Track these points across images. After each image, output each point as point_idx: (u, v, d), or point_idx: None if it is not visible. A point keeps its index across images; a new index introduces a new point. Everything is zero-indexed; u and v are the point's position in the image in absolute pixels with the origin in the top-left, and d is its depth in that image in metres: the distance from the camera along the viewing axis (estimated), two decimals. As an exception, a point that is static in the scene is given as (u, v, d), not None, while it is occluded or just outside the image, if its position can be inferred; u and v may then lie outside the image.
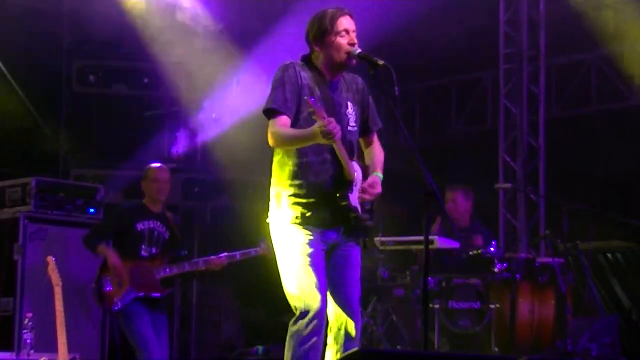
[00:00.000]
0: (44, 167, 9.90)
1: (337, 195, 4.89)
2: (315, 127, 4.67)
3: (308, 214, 4.90)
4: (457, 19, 10.72)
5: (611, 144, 10.05)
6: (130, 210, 7.37)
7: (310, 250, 4.90)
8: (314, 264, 4.90)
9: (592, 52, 10.40)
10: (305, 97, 4.73)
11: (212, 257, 7.32)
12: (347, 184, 4.92)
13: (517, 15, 10.10)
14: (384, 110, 9.37)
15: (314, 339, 4.85)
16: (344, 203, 4.89)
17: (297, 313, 4.88)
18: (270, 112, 4.90)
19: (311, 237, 4.90)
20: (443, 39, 10.85)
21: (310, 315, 4.84)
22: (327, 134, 4.64)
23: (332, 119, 4.67)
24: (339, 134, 4.67)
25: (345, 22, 4.98)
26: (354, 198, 4.95)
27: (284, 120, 4.87)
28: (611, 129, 10.21)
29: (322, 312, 4.88)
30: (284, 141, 4.89)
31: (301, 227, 4.90)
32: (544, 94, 10.12)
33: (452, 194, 8.63)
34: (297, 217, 4.91)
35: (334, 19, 4.96)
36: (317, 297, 4.86)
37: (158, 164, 7.58)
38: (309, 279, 4.87)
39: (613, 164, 9.99)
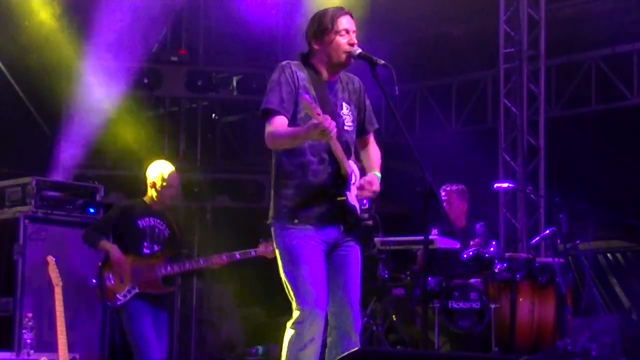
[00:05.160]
0: (44, 167, 9.91)
1: (335, 193, 4.88)
2: (311, 124, 4.67)
3: (307, 213, 4.89)
4: (457, 19, 10.73)
5: (611, 144, 10.05)
6: (131, 207, 7.36)
7: (311, 252, 4.88)
8: (315, 267, 4.88)
9: (592, 52, 10.41)
10: (302, 95, 4.73)
11: (213, 256, 7.32)
12: (344, 183, 4.90)
13: (517, 15, 10.09)
14: (384, 110, 9.41)
15: (314, 343, 4.83)
16: (341, 200, 4.88)
17: (297, 316, 4.85)
18: (266, 113, 4.88)
19: (312, 239, 4.88)
20: (443, 39, 10.86)
21: (311, 319, 4.82)
22: (322, 131, 4.62)
23: (327, 116, 4.67)
24: (334, 131, 4.66)
25: (346, 22, 4.97)
26: (352, 196, 4.94)
27: (281, 120, 4.85)
28: (611, 129, 10.21)
29: (322, 316, 4.86)
30: (280, 141, 4.88)
31: (301, 228, 4.88)
32: (544, 94, 10.11)
33: (447, 194, 8.61)
34: (296, 217, 4.89)
35: (334, 18, 4.95)
36: (318, 301, 4.84)
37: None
38: (311, 282, 4.84)
39: (613, 163, 9.99)
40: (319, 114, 4.62)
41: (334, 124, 4.65)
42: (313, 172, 4.90)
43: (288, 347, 4.85)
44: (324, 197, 4.90)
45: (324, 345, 5.01)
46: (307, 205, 4.89)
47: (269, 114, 4.88)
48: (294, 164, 4.92)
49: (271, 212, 5.01)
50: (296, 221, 4.89)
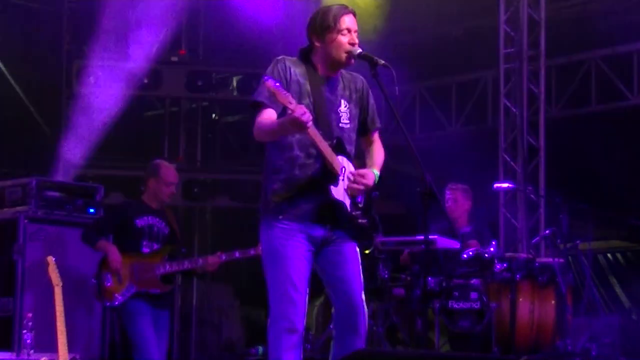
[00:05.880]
0: (44, 167, 9.90)
1: (320, 187, 4.83)
2: (286, 117, 4.63)
3: (293, 209, 4.86)
4: (457, 19, 10.73)
5: (611, 144, 10.05)
6: (129, 206, 7.37)
7: (293, 253, 4.85)
8: (295, 267, 4.85)
9: (592, 52, 10.41)
10: (265, 79, 4.62)
11: (210, 256, 7.33)
12: (331, 177, 4.85)
13: (517, 15, 10.10)
14: (384, 110, 9.42)
15: (291, 342, 4.83)
16: (326, 194, 4.83)
17: (273, 316, 4.85)
18: (255, 105, 4.86)
19: (296, 238, 4.85)
20: (443, 39, 10.87)
21: (286, 319, 4.82)
22: (295, 120, 4.58)
23: (301, 106, 4.62)
24: (308, 121, 4.59)
25: (348, 21, 4.95)
26: (339, 192, 4.87)
27: (269, 113, 4.82)
28: (611, 129, 10.22)
29: (299, 316, 4.84)
30: (262, 133, 4.85)
31: (286, 225, 4.85)
32: (544, 94, 10.11)
33: (452, 192, 8.62)
34: (281, 213, 4.86)
35: (337, 17, 4.93)
36: (294, 302, 4.82)
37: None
38: (288, 283, 4.82)
39: (613, 164, 9.99)
40: (290, 102, 4.58)
41: (308, 114, 4.59)
42: (300, 166, 4.87)
43: (269, 348, 4.87)
44: (310, 192, 4.86)
45: (328, 338, 5.00)
46: (293, 200, 4.86)
47: (258, 106, 4.86)
48: (283, 158, 4.90)
49: (260, 207, 4.99)
50: (281, 217, 4.86)
